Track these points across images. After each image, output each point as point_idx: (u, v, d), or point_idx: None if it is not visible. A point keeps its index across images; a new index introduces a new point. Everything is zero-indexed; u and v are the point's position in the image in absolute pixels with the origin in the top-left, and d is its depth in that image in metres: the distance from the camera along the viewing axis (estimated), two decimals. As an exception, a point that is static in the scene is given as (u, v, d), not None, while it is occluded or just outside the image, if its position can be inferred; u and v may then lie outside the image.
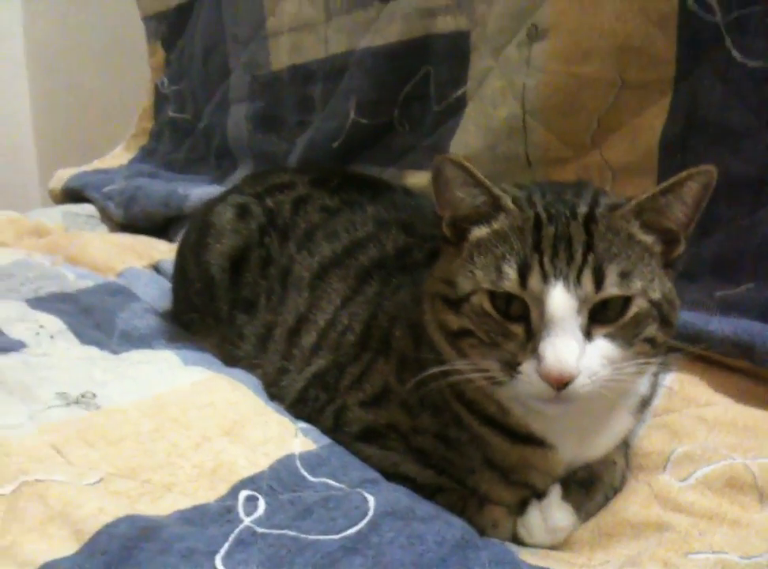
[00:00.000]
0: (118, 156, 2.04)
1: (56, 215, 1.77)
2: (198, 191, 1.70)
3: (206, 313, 1.08)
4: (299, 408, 0.93)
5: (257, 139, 1.69)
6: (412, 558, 0.67)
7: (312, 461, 0.81)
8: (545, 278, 0.68)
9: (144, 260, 1.44)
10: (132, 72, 2.44)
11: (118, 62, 2.56)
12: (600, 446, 0.82)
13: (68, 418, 0.83)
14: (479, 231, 0.75)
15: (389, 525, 0.70)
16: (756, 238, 1.03)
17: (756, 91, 1.04)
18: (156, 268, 1.43)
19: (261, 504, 0.74)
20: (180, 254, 1.15)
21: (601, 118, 1.18)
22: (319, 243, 1.00)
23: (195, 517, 0.72)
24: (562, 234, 0.70)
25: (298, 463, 0.80)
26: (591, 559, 0.77)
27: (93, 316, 1.12)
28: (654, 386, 0.88)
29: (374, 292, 0.93)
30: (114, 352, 1.01)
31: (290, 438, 0.85)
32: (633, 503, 0.83)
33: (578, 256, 0.69)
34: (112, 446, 0.79)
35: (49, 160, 2.97)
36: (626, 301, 0.70)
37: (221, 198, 1.13)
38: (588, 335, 0.68)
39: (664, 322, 0.72)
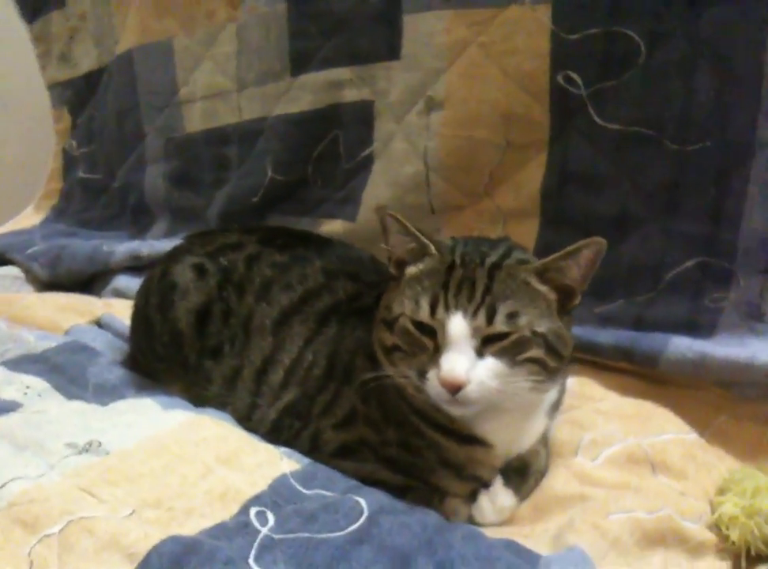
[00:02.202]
0: (30, 217, 2.09)
1: (-19, 278, 1.82)
2: (122, 248, 1.81)
3: (173, 362, 1.21)
4: (275, 435, 1.09)
5: (175, 196, 1.81)
6: (407, 541, 0.84)
7: (302, 478, 0.97)
8: (447, 309, 0.88)
9: (85, 317, 1.53)
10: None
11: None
12: (526, 441, 1.03)
13: (85, 464, 0.94)
14: (412, 269, 0.96)
15: (382, 519, 0.87)
16: (622, 265, 1.29)
17: (614, 148, 1.29)
18: (99, 323, 1.53)
19: (271, 517, 0.89)
20: (142, 313, 1.26)
21: (492, 172, 1.40)
22: (276, 294, 1.16)
23: (220, 533, 0.86)
24: (468, 276, 0.90)
25: (291, 480, 0.96)
26: (533, 529, 0.97)
27: (65, 373, 1.21)
28: (562, 393, 1.10)
29: (334, 332, 1.11)
30: (102, 404, 1.12)
31: (277, 461, 1.00)
32: (557, 482, 1.03)
33: (478, 295, 0.89)
34: (133, 483, 0.91)
35: None
36: None
37: (174, 259, 1.25)
38: (480, 354, 0.88)
39: (552, 351, 0.90)
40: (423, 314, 0.90)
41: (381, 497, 0.93)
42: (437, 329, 0.89)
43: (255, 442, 1.05)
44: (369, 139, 1.53)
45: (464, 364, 0.86)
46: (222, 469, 0.97)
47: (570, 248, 0.91)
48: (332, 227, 1.58)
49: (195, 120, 1.75)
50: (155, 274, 1.28)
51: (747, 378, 1.14)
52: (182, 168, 1.80)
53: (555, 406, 1.07)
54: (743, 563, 0.91)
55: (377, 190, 1.52)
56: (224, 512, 0.90)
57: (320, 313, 1.13)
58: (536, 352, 0.90)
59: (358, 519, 0.88)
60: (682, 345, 1.17)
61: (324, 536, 0.85)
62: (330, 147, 1.59)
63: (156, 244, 1.78)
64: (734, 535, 0.93)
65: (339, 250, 1.24)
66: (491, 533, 0.93)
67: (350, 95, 1.54)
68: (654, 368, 1.19)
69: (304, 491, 0.95)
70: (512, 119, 1.36)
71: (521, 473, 1.03)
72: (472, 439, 0.99)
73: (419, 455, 1.00)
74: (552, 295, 0.93)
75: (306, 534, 0.85)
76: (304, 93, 1.58)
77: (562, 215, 1.37)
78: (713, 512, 0.98)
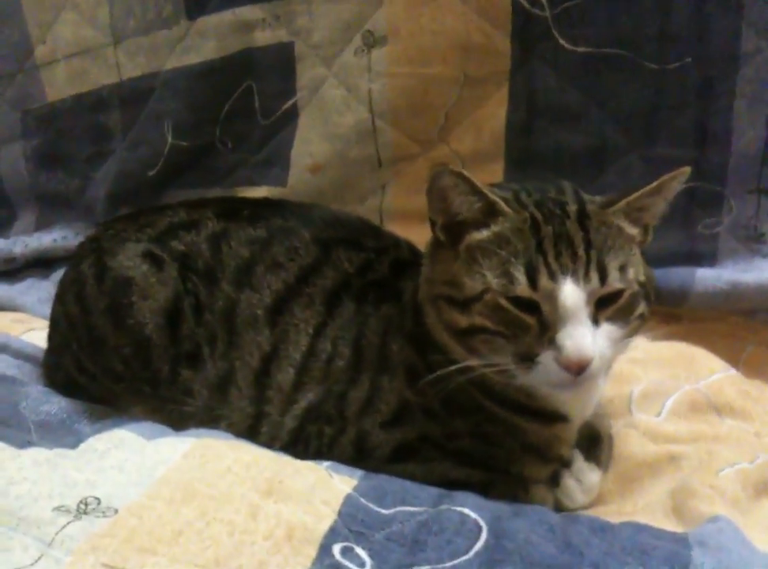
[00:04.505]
0: None
1: None
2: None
3: (139, 379, 0.96)
4: (299, 449, 0.89)
5: (42, 179, 1.50)
6: (546, 549, 0.70)
7: (370, 495, 0.79)
8: (553, 276, 0.74)
9: (-31, 341, 1.21)
10: None
11: None
12: (593, 406, 0.91)
13: (95, 532, 0.70)
14: (479, 235, 0.78)
15: (507, 529, 0.73)
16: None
17: (585, 73, 1.20)
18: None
19: (361, 552, 0.71)
20: (82, 324, 0.98)
21: (448, 112, 1.27)
22: (262, 277, 0.94)
23: (313, 587, 0.68)
24: (561, 232, 0.76)
25: (362, 501, 0.78)
26: (635, 504, 0.87)
27: (-7, 415, 0.93)
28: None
29: (351, 314, 0.92)
30: (72, 447, 0.86)
31: (328, 479, 0.81)
32: (630, 446, 0.94)
33: (581, 252, 0.74)
34: (174, 545, 0.69)
35: None
36: None
37: (108, 251, 0.98)
38: (596, 322, 0.75)
39: (648, 298, 0.80)
40: (522, 288, 0.73)
41: (484, 503, 0.79)
42: (540, 302, 0.73)
43: (290, 460, 0.85)
44: (291, 88, 1.33)
45: (589, 338, 0.72)
46: (269, 503, 0.76)
47: (657, 183, 0.79)
48: (255, 195, 1.36)
49: (59, 85, 1.44)
50: (84, 273, 1.00)
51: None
52: (47, 145, 1.49)
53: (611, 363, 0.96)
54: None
55: (309, 146, 1.33)
56: (301, 558, 0.71)
57: (327, 292, 0.93)
58: (643, 307, 0.78)
59: (479, 536, 0.72)
60: (710, 277, 1.11)
61: (450, 564, 0.69)
62: (242, 102, 1.37)
63: (30, 241, 1.48)
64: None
65: (322, 214, 1.03)
66: (609, 517, 0.82)
67: (263, 37, 1.32)
68: (682, 305, 1.11)
69: (383, 510, 0.77)
70: (470, 50, 1.23)
71: (594, 442, 0.93)
72: (553, 416, 0.85)
73: (498, 444, 0.86)
74: (640, 237, 0.81)
75: (427, 566, 0.68)
76: (205, 40, 1.34)
77: (529, 154, 1.27)
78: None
